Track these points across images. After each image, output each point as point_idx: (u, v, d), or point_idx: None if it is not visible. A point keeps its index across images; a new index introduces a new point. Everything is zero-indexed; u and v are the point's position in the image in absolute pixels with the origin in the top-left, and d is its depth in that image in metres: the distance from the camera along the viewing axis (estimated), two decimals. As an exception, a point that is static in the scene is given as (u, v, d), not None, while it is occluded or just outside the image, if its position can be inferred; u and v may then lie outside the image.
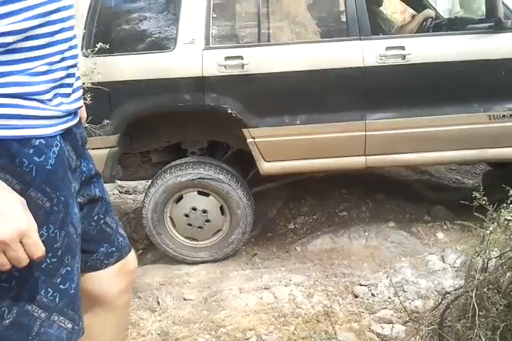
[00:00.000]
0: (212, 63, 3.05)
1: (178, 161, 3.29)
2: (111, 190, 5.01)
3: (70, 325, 1.10)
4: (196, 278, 3.19)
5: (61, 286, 1.08)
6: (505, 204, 2.03)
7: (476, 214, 2.61)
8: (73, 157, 1.16)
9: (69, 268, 1.09)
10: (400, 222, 3.61)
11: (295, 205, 3.90)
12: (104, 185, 3.49)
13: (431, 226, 3.59)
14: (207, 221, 3.27)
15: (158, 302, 2.91)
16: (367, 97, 3.09)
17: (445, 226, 3.60)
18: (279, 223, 3.79)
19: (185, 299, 2.94)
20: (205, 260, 3.36)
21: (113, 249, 1.30)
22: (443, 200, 4.04)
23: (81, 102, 1.21)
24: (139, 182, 4.83)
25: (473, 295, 1.74)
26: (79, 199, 1.20)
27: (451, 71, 3.07)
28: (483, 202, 1.97)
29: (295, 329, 2.50)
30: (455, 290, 2.21)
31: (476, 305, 1.79)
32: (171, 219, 3.32)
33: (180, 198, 3.28)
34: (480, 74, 3.09)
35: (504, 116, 3.09)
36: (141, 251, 3.87)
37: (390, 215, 3.72)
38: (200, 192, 3.26)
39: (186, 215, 3.27)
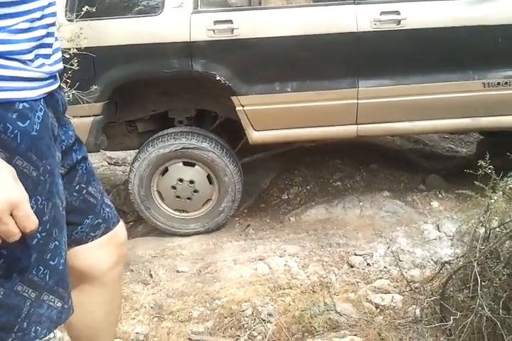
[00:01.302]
0: (200, 28, 2.92)
1: (160, 133, 3.20)
2: (100, 161, 4.92)
3: (59, 304, 1.03)
4: (189, 250, 3.14)
5: (51, 262, 1.00)
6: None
7: (476, 183, 2.56)
8: (55, 124, 1.07)
9: (57, 243, 1.01)
10: (395, 192, 3.57)
11: (288, 176, 3.83)
12: (92, 155, 3.39)
13: (426, 195, 3.55)
14: (195, 191, 3.20)
15: (151, 275, 2.86)
16: (360, 64, 2.99)
17: (440, 195, 3.56)
18: (273, 194, 3.73)
19: (178, 271, 2.89)
20: (198, 231, 3.31)
21: (99, 220, 1.22)
22: (437, 169, 4.00)
23: (61, 64, 1.11)
24: (128, 153, 4.73)
25: (476, 265, 1.69)
26: (60, 170, 1.12)
27: (447, 37, 2.98)
28: (489, 170, 1.87)
29: (291, 301, 2.46)
30: (454, 260, 2.17)
31: (478, 275, 1.75)
32: (159, 192, 3.25)
33: (166, 170, 3.20)
34: (476, 40, 2.99)
35: (499, 83, 3.01)
36: (131, 223, 3.81)
37: (385, 185, 3.66)
38: (185, 163, 3.18)
39: (173, 187, 3.19)
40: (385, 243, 3.02)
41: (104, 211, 1.23)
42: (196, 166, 3.19)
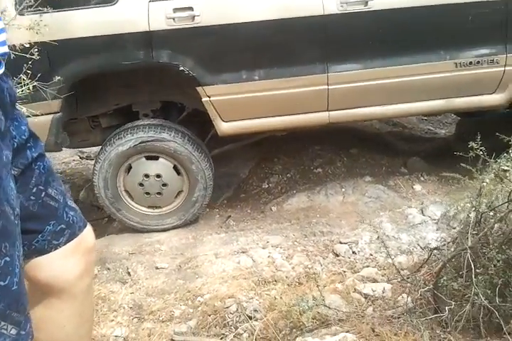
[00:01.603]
0: (159, 16, 2.76)
1: (117, 130, 3.04)
2: (71, 155, 4.74)
3: (14, 331, 0.89)
4: (168, 245, 3.02)
5: (0, 283, 0.87)
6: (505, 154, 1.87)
7: (464, 165, 2.49)
8: (1, 118, 0.92)
9: (8, 259, 0.87)
10: (377, 176, 3.49)
11: (268, 164, 3.71)
12: (63, 149, 3.19)
13: (408, 179, 3.48)
14: (164, 185, 3.06)
15: (129, 273, 2.73)
16: (328, 48, 2.88)
17: (422, 178, 3.50)
18: (252, 183, 3.62)
19: (157, 268, 2.76)
20: (175, 225, 3.18)
21: (62, 225, 1.08)
22: (417, 151, 3.94)
23: (6, 47, 0.97)
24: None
25: (469, 252, 1.61)
26: (13, 171, 0.98)
27: (416, 17, 2.88)
28: (481, 152, 1.79)
29: (277, 294, 2.36)
30: (444, 246, 2.09)
31: (471, 262, 1.67)
32: (127, 191, 3.10)
33: (130, 168, 3.06)
34: (446, 19, 2.91)
35: (471, 63, 2.94)
36: (106, 219, 3.66)
37: (366, 169, 3.58)
38: (148, 157, 3.03)
39: (141, 184, 3.05)
40: (369, 230, 2.93)
41: (67, 215, 1.09)
42: (160, 159, 3.04)
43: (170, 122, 3.09)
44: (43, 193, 1.05)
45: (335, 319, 1.82)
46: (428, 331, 1.55)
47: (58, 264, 1.08)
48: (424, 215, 3.04)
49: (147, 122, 3.05)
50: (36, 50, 2.24)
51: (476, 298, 1.63)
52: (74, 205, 1.14)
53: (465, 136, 4.18)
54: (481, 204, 1.81)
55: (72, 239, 1.09)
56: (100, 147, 3.12)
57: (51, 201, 1.06)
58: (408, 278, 2.11)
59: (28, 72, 2.22)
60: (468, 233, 1.82)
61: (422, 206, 3.14)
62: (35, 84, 2.26)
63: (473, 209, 1.79)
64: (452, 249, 1.88)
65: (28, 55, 2.17)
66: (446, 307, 1.63)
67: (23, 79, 2.18)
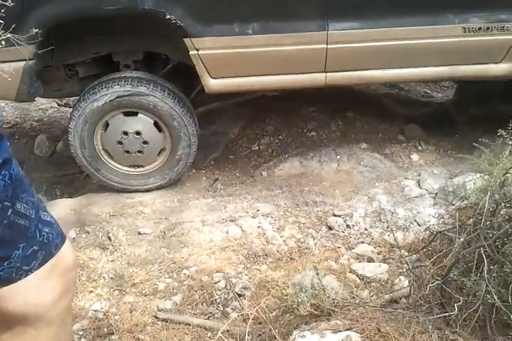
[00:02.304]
0: None
1: (91, 84, 2.80)
2: (49, 102, 4.44)
3: None
4: (151, 207, 2.85)
5: None
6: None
7: (475, 144, 2.36)
8: None
9: None
10: (373, 143, 3.33)
11: (259, 124, 3.51)
12: (36, 100, 2.89)
13: (405, 147, 3.33)
14: (144, 143, 2.86)
15: (110, 238, 2.58)
16: (329, 3, 2.63)
17: (420, 147, 3.36)
18: (242, 144, 3.42)
19: (140, 233, 2.61)
20: (159, 185, 3.00)
21: (35, 247, 0.87)
22: (415, 117, 3.78)
23: None
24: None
25: (487, 250, 1.49)
26: None
27: None
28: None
29: (268, 269, 2.25)
30: (449, 230, 1.97)
31: (485, 258, 1.55)
32: (105, 150, 2.89)
33: (107, 125, 2.84)
34: None
35: (480, 28, 2.73)
36: (84, 173, 3.45)
37: (362, 135, 3.41)
38: (126, 113, 2.81)
39: (120, 142, 2.84)
40: (364, 201, 2.81)
41: (41, 233, 0.89)
42: (139, 115, 2.81)
43: (148, 74, 2.85)
44: (10, 211, 0.83)
45: (332, 307, 1.70)
46: (436, 331, 1.45)
47: (31, 292, 0.89)
48: (421, 188, 2.92)
49: (123, 75, 2.80)
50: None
51: (489, 297, 1.52)
52: (49, 218, 0.92)
53: (464, 102, 4.06)
54: (498, 193, 1.67)
55: (48, 261, 0.90)
56: (75, 101, 2.88)
57: (20, 219, 0.85)
58: (413, 269, 1.99)
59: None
60: (481, 223, 1.69)
61: (419, 178, 3.02)
62: (9, 36, 1.96)
63: (490, 198, 1.65)
64: (461, 238, 1.75)
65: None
66: (455, 305, 1.52)
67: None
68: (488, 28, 2.74)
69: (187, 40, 2.61)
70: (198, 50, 2.64)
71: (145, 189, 2.99)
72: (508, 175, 1.66)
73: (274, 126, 3.49)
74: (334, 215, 2.68)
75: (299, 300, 1.64)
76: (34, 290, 0.88)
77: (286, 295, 1.82)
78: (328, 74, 2.80)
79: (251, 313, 1.94)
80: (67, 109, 4.35)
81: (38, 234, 0.87)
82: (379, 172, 3.06)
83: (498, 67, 2.88)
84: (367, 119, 3.60)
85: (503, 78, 2.99)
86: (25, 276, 0.86)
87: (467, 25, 2.73)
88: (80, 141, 2.81)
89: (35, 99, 2.89)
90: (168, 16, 2.53)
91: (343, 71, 2.83)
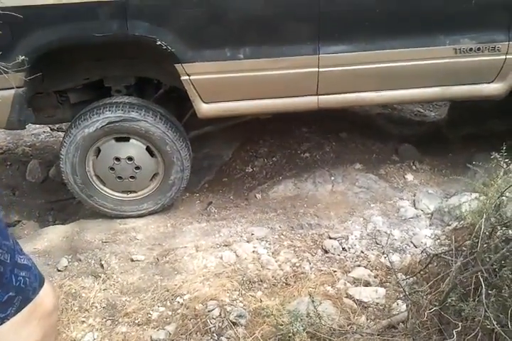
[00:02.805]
0: None
1: (82, 111, 2.79)
2: (42, 127, 4.42)
3: None
4: (144, 233, 2.82)
5: None
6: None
7: (469, 165, 2.34)
8: None
9: None
10: (367, 164, 3.31)
11: (252, 146, 3.50)
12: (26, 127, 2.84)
13: (399, 167, 3.32)
14: (137, 168, 2.83)
15: (102, 266, 2.54)
16: (321, 27, 2.65)
17: (414, 167, 3.35)
18: (236, 166, 3.40)
19: (132, 260, 2.58)
20: (152, 210, 2.97)
21: (11, 293, 0.83)
22: (408, 136, 3.78)
23: None
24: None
25: (485, 275, 1.46)
26: None
27: None
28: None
29: (263, 296, 2.21)
30: (446, 253, 1.94)
31: (482, 283, 1.52)
32: (97, 176, 2.87)
33: (99, 151, 2.82)
34: (446, 1, 2.71)
35: (471, 49, 2.75)
36: (77, 199, 3.42)
37: (356, 156, 3.40)
38: (117, 139, 2.80)
39: (112, 168, 2.82)
40: (359, 223, 2.79)
41: (17, 278, 0.85)
42: (131, 140, 2.80)
43: (140, 99, 2.84)
44: None
45: (328, 335, 1.66)
46: (435, 360, 1.41)
47: (9, 339, 0.85)
48: (416, 209, 2.91)
49: (114, 100, 2.79)
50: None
51: (486, 321, 1.48)
52: (26, 261, 0.88)
53: (457, 121, 4.07)
54: (494, 216, 1.65)
55: (25, 306, 0.86)
56: (66, 128, 2.86)
57: None
58: (403, 283, 1.96)
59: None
60: (477, 246, 1.66)
61: (414, 198, 3.00)
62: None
63: (486, 221, 1.62)
64: (459, 262, 1.72)
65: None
66: (454, 331, 1.48)
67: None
68: (479, 49, 2.76)
69: (178, 66, 2.61)
70: (189, 75, 2.64)
71: (138, 215, 2.96)
72: (503, 197, 1.64)
73: (268, 148, 3.48)
74: (330, 238, 2.64)
75: (295, 329, 1.60)
76: (12, 338, 0.84)
77: (282, 325, 1.78)
78: (320, 97, 2.81)
79: (246, 342, 1.89)
80: (60, 133, 4.33)
81: (13, 280, 0.83)
82: (374, 193, 3.04)
83: (491, 86, 2.89)
84: (361, 140, 3.59)
85: (495, 98, 3.00)
86: (1, 324, 0.83)
87: (458, 46, 2.74)
88: (71, 167, 2.79)
89: (26, 126, 2.88)
90: (158, 42, 2.53)
91: (336, 94, 2.83)
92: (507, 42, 2.76)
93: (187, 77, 2.64)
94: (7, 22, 2.27)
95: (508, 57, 2.79)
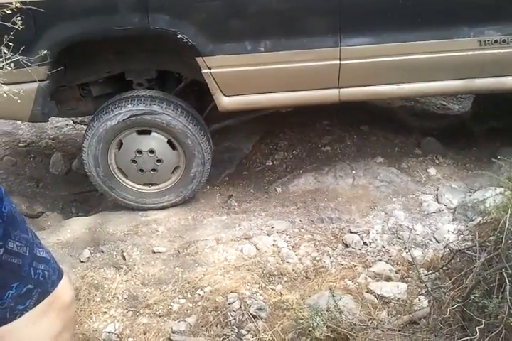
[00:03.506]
0: None
1: (104, 103, 2.81)
2: (64, 120, 4.47)
3: None
4: (166, 225, 2.84)
5: None
6: None
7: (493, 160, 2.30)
8: None
9: None
10: (389, 157, 3.28)
11: (273, 139, 3.49)
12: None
13: (422, 161, 3.28)
14: (158, 161, 2.85)
15: (124, 257, 2.56)
16: (342, 19, 2.61)
17: (437, 161, 3.29)
18: (256, 160, 3.40)
19: (154, 252, 2.60)
20: (173, 202, 2.98)
21: (29, 285, 0.84)
22: (431, 129, 3.72)
23: None
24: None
25: (509, 271, 1.43)
26: None
27: None
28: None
29: (283, 289, 2.21)
30: (469, 249, 1.92)
31: (507, 279, 1.49)
32: (119, 169, 2.89)
33: (121, 144, 2.84)
34: None
35: (496, 41, 2.69)
36: (100, 191, 3.46)
37: (378, 149, 3.36)
38: (139, 132, 2.81)
39: (134, 161, 2.84)
40: (381, 217, 2.76)
41: (36, 270, 0.86)
42: (153, 133, 2.81)
43: (161, 93, 2.85)
44: (1, 250, 0.81)
45: (348, 330, 1.66)
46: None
47: (26, 331, 0.86)
48: (439, 203, 2.87)
49: (136, 94, 2.80)
50: (19, 18, 1.93)
51: (510, 319, 1.46)
52: (45, 254, 0.89)
53: (481, 114, 4.00)
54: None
55: (44, 299, 0.87)
56: (88, 121, 2.89)
57: (13, 258, 0.82)
58: (425, 278, 1.94)
59: (10, 44, 1.93)
60: (502, 242, 1.64)
61: (436, 192, 2.96)
62: (18, 58, 1.97)
63: (510, 216, 1.60)
64: (482, 258, 1.70)
65: (10, 25, 1.88)
66: (477, 328, 1.47)
67: (4, 53, 1.89)
68: (504, 41, 2.70)
69: (199, 59, 2.61)
70: (210, 68, 2.64)
71: (159, 207, 2.98)
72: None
73: (288, 141, 3.47)
74: (350, 232, 2.63)
75: (315, 323, 1.60)
76: (31, 329, 0.86)
77: (302, 319, 1.78)
78: (341, 90, 2.78)
79: (266, 336, 1.89)
80: (82, 126, 4.37)
81: (32, 272, 0.84)
82: (396, 187, 3.01)
83: None
84: (382, 133, 3.55)
85: None
86: (20, 316, 0.84)
87: (483, 38, 2.69)
88: (94, 160, 2.81)
89: (49, 119, 2.91)
90: (179, 35, 2.53)
91: (357, 86, 2.80)
92: None
93: (208, 70, 2.64)
94: (31, 16, 2.29)
95: None
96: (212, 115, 3.16)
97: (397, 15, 2.66)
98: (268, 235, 2.63)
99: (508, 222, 1.64)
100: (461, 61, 2.76)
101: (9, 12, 1.89)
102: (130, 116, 2.73)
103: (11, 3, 1.97)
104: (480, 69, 2.80)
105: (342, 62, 2.68)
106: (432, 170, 3.18)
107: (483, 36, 2.69)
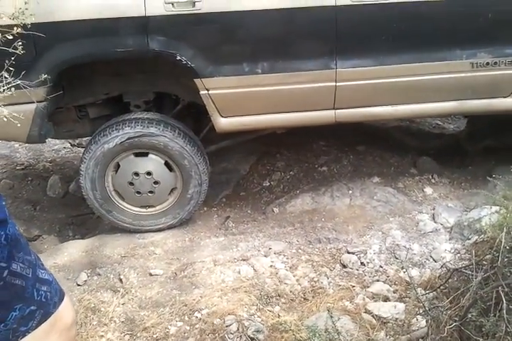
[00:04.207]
0: (157, 0, 2.52)
1: (102, 126, 2.83)
2: (62, 143, 4.49)
3: None
4: (163, 247, 2.83)
5: None
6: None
7: (488, 178, 2.31)
8: None
9: None
10: (385, 177, 3.30)
11: (270, 160, 3.51)
12: (46, 141, 2.90)
13: (418, 181, 3.30)
14: (155, 183, 2.85)
15: (121, 280, 2.55)
16: (338, 42, 2.66)
17: (433, 180, 3.31)
18: (253, 180, 3.41)
19: (151, 274, 2.59)
20: (170, 224, 2.98)
21: (32, 307, 0.86)
22: (426, 149, 3.75)
23: None
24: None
25: (505, 290, 1.44)
26: None
27: (433, 12, 2.67)
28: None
29: (281, 311, 2.20)
30: (467, 268, 1.91)
31: (503, 298, 1.49)
32: (116, 192, 2.90)
33: (118, 167, 2.85)
34: (464, 16, 2.70)
35: (488, 63, 2.75)
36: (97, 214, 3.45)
37: (374, 169, 3.39)
38: (136, 154, 2.83)
39: (131, 183, 2.84)
40: (378, 237, 2.77)
41: (39, 292, 0.87)
42: (150, 155, 2.82)
43: (158, 115, 2.88)
44: (6, 272, 0.82)
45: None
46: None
47: None
48: (436, 222, 2.88)
49: (133, 116, 2.82)
50: (20, 43, 1.97)
51: (508, 337, 1.45)
52: (47, 275, 0.91)
53: (476, 133, 4.03)
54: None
55: (46, 320, 0.88)
56: (85, 144, 2.91)
57: (16, 279, 0.84)
58: (423, 298, 1.94)
59: (11, 69, 1.96)
60: (498, 260, 1.64)
61: (433, 212, 2.97)
62: (18, 82, 2.00)
63: (507, 234, 1.60)
64: (478, 277, 1.70)
65: (11, 50, 1.91)
66: (475, 348, 1.46)
67: (5, 78, 1.92)
68: (495, 63, 2.76)
69: (197, 81, 2.65)
70: (208, 89, 2.67)
71: (156, 229, 2.97)
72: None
73: (285, 162, 3.49)
74: (348, 252, 2.63)
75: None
76: None
77: (300, 340, 1.77)
78: (337, 111, 2.82)
79: (264, 358, 1.88)
80: (80, 149, 4.39)
81: (35, 294, 0.85)
82: (392, 207, 3.02)
83: (507, 101, 2.88)
84: (378, 153, 3.58)
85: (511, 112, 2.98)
86: (23, 337, 0.84)
87: (475, 61, 2.74)
88: (91, 183, 2.82)
89: (47, 141, 2.93)
90: (178, 58, 2.57)
91: (352, 108, 2.84)
92: None
93: (206, 92, 2.67)
94: (32, 39, 2.33)
95: None
96: (210, 136, 3.18)
97: (392, 39, 2.71)
98: (265, 256, 2.62)
99: (503, 240, 1.65)
100: (454, 83, 2.81)
101: (10, 37, 1.91)
102: (128, 139, 2.75)
103: (13, 26, 2.00)
104: (473, 91, 2.85)
105: (338, 83, 2.72)
106: (428, 190, 3.20)
107: (475, 58, 2.74)
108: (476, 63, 2.75)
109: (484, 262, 1.89)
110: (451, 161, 3.54)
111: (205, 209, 3.20)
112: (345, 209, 3.01)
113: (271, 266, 2.53)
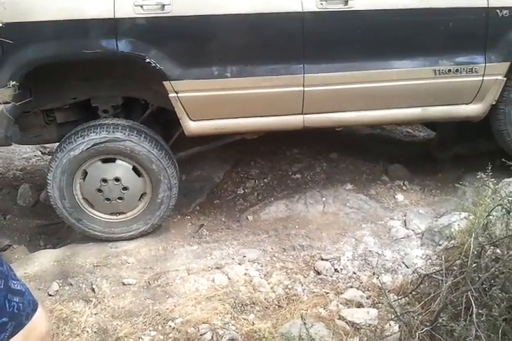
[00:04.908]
0: (126, 2, 2.53)
1: (67, 134, 2.80)
2: (32, 151, 4.43)
3: None
4: (136, 256, 2.80)
5: None
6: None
7: (457, 185, 2.37)
8: None
9: None
10: (358, 184, 3.34)
11: (244, 168, 3.52)
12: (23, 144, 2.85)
13: (389, 188, 3.35)
14: (124, 189, 2.82)
15: (93, 290, 2.51)
16: (305, 47, 2.71)
17: (404, 187, 3.37)
18: (227, 188, 3.42)
19: (124, 284, 2.55)
20: (142, 231, 2.93)
21: (4, 319, 0.85)
22: (398, 156, 3.81)
23: None
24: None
25: (473, 292, 1.47)
26: None
27: (397, 20, 2.76)
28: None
29: (255, 319, 2.20)
30: (437, 273, 1.95)
31: (473, 302, 1.52)
32: (85, 199, 2.86)
33: (86, 174, 2.82)
34: (426, 24, 2.79)
35: (450, 70, 2.83)
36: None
37: (347, 176, 3.43)
38: (104, 160, 2.81)
39: (99, 190, 2.81)
40: (351, 244, 2.79)
41: (10, 304, 0.86)
42: (117, 161, 2.80)
43: (123, 120, 2.86)
44: None
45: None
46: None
47: None
48: (407, 229, 2.92)
49: (99, 122, 2.80)
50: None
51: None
52: (19, 286, 0.90)
53: (446, 141, 4.12)
54: (482, 235, 1.67)
55: (18, 331, 0.87)
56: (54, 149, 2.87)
57: None
58: (395, 304, 1.97)
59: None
60: (467, 265, 1.68)
61: (404, 218, 3.01)
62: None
63: (475, 240, 1.64)
64: (449, 281, 1.73)
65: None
66: (446, 352, 1.48)
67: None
68: (457, 70, 2.83)
69: (166, 83, 2.65)
70: (177, 92, 2.68)
71: (128, 236, 2.93)
72: (491, 216, 1.66)
73: (259, 169, 3.51)
74: (322, 259, 2.64)
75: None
76: None
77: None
78: (305, 116, 2.85)
79: (239, 366, 1.88)
80: (50, 157, 4.34)
81: (7, 305, 0.84)
82: (365, 214, 3.06)
83: (469, 107, 2.96)
84: (351, 160, 3.62)
85: (473, 119, 3.06)
86: None
87: (438, 68, 2.82)
88: (59, 191, 2.78)
89: (11, 144, 2.88)
90: (147, 60, 2.57)
91: (320, 113, 2.87)
92: (484, 64, 2.84)
93: (175, 95, 2.68)
94: None
95: (485, 78, 2.87)
96: (180, 143, 3.17)
97: (358, 45, 2.77)
98: (240, 264, 2.62)
99: (472, 246, 1.69)
100: (418, 89, 2.87)
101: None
102: (93, 145, 2.72)
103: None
104: (435, 98, 2.92)
105: (305, 88, 2.76)
106: (400, 196, 3.25)
107: (437, 66, 2.82)
108: (439, 70, 2.82)
109: (454, 267, 1.94)
110: (421, 168, 3.61)
111: (179, 217, 3.19)
112: (319, 216, 3.03)
113: (245, 273, 2.53)
